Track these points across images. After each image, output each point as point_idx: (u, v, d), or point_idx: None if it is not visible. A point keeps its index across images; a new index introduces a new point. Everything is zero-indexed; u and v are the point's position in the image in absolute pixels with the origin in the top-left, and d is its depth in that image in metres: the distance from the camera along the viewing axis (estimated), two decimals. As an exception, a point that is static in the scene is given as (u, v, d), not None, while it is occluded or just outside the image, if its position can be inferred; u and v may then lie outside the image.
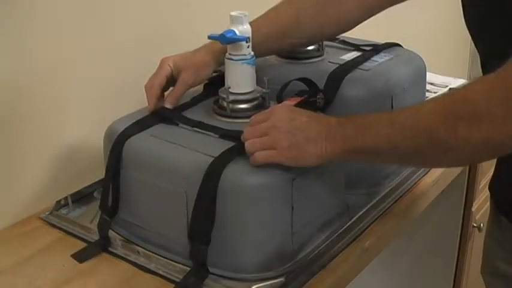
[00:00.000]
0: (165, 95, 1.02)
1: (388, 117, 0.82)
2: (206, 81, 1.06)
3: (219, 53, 1.01)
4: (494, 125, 0.70)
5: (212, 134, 0.92)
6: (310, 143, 0.83)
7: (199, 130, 0.93)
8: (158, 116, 0.97)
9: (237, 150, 0.87)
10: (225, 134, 0.91)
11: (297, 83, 1.01)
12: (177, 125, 0.96)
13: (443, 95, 0.81)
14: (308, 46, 1.14)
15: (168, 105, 0.99)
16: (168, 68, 1.00)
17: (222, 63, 1.00)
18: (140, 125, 0.96)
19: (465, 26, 0.94)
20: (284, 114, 0.86)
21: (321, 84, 1.03)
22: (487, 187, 1.05)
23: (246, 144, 0.86)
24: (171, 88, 1.02)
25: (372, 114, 0.83)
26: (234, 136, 0.89)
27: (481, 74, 0.94)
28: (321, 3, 1.06)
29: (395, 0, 1.06)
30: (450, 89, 1.49)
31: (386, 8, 1.07)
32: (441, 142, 0.74)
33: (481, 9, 0.88)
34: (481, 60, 0.95)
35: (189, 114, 0.99)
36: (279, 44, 1.08)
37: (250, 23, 0.97)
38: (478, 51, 0.94)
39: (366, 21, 1.08)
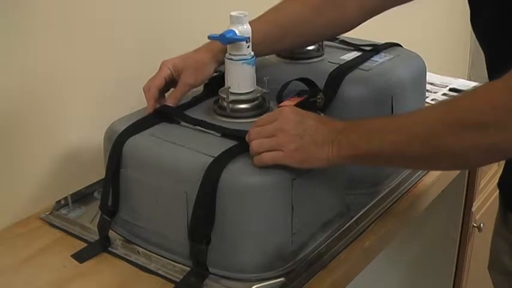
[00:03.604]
0: (166, 96, 1.02)
1: (393, 123, 0.83)
2: (206, 81, 1.06)
3: (218, 52, 1.01)
4: (501, 132, 0.72)
5: (214, 132, 0.92)
6: (317, 147, 0.84)
7: (201, 129, 0.93)
8: (160, 114, 0.97)
9: (237, 150, 0.87)
10: (227, 133, 0.91)
11: (297, 83, 1.01)
12: (179, 123, 0.96)
13: (448, 101, 0.82)
14: (305, 47, 1.14)
15: (169, 105, 0.99)
16: (167, 70, 1.00)
17: (222, 63, 1.00)
18: (143, 123, 0.96)
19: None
20: (292, 116, 0.86)
21: (321, 84, 1.03)
22: (496, 183, 1.05)
23: (253, 143, 0.86)
24: (171, 89, 1.02)
25: (377, 119, 0.84)
26: (236, 135, 0.90)
27: (482, 74, 0.95)
28: (321, 5, 1.06)
29: (395, 2, 1.06)
30: (451, 89, 1.50)
31: (386, 10, 1.07)
32: (448, 149, 0.76)
33: (489, 11, 0.88)
34: (486, 62, 0.95)
35: (190, 114, 0.98)
36: (277, 45, 1.07)
37: (250, 23, 0.97)
38: (484, 53, 0.94)
39: (366, 21, 1.08)
